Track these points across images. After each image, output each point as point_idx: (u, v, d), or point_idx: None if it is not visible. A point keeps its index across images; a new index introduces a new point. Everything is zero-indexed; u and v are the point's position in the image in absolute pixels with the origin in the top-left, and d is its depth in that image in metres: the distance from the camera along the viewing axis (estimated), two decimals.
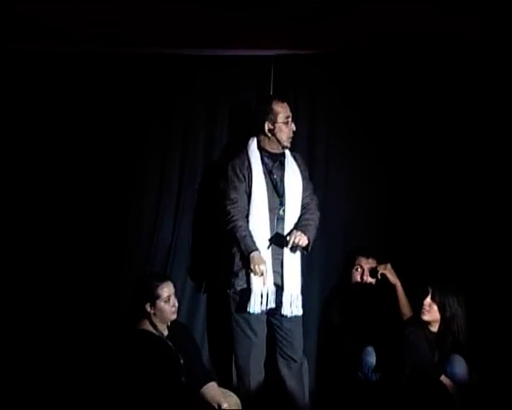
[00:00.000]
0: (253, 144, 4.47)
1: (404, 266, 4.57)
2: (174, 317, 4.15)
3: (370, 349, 4.38)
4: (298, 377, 4.44)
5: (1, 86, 4.72)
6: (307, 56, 4.75)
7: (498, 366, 4.26)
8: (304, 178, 4.50)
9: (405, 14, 4.43)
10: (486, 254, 4.59)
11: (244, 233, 4.30)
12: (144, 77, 4.77)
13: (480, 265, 4.57)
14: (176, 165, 4.75)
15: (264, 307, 4.30)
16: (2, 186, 4.72)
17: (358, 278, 4.65)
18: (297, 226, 4.38)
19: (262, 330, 4.40)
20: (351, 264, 4.68)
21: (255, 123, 4.48)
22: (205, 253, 4.68)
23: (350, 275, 4.68)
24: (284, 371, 4.43)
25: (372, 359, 4.37)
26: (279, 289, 4.35)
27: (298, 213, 4.44)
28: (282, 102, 4.44)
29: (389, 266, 4.56)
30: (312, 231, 4.40)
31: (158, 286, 4.11)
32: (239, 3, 4.29)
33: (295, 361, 4.42)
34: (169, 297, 4.11)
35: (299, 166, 4.51)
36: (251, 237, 4.31)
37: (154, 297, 4.08)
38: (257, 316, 4.33)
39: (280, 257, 4.37)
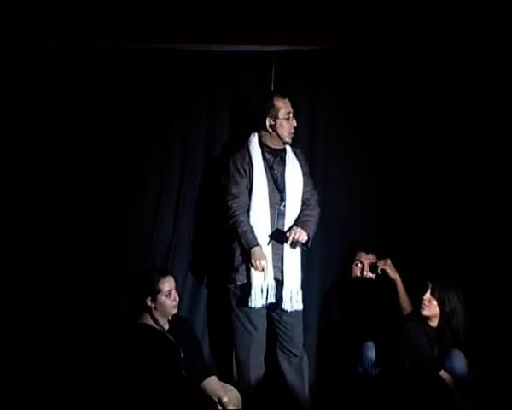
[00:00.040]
0: (254, 140, 4.48)
1: (404, 262, 4.58)
2: (175, 311, 4.16)
3: (370, 344, 4.39)
4: (298, 371, 4.45)
5: (1, 81, 4.71)
6: (308, 52, 4.76)
7: (497, 361, 4.28)
8: (304, 174, 4.52)
9: (405, 14, 4.46)
10: (486, 249, 4.60)
11: (245, 228, 4.31)
12: (145, 72, 4.76)
13: (480, 260, 4.58)
14: (177, 160, 4.76)
15: (264, 302, 4.31)
16: (2, 182, 4.71)
17: (358, 273, 4.66)
18: (297, 222, 4.40)
19: (262, 325, 4.42)
20: (351, 259, 4.69)
21: (256, 119, 4.49)
22: (205, 247, 4.69)
23: (350, 270, 4.68)
24: (284, 365, 4.44)
25: (372, 353, 4.38)
26: (279, 283, 4.36)
27: (298, 209, 4.46)
28: (284, 97, 4.45)
29: (389, 261, 4.57)
30: (312, 226, 4.42)
31: (159, 280, 4.12)
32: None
33: (295, 356, 4.44)
34: (170, 291, 4.12)
35: (299, 161, 4.52)
36: (252, 232, 4.32)
37: (155, 291, 4.09)
38: (257, 311, 4.34)
39: (280, 252, 4.38)
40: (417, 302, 4.32)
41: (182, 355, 4.09)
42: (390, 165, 4.79)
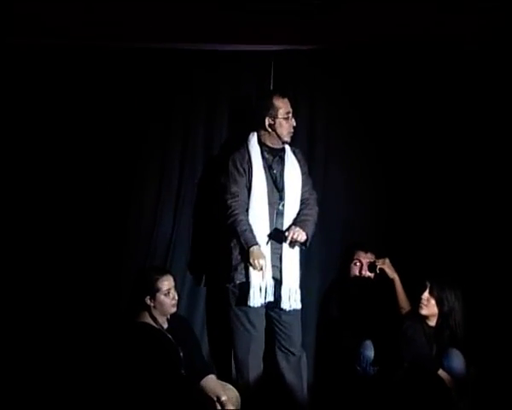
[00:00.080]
0: (253, 139, 4.49)
1: (403, 261, 4.59)
2: (174, 310, 4.17)
3: (369, 343, 4.40)
4: (296, 370, 4.46)
5: (1, 81, 4.72)
6: (308, 52, 4.77)
7: (495, 360, 4.29)
8: (303, 173, 4.53)
9: (405, 14, 4.46)
10: (484, 248, 4.61)
11: (244, 227, 4.32)
12: (145, 71, 4.77)
13: (478, 259, 4.59)
14: (176, 159, 4.77)
15: (263, 301, 4.32)
16: (2, 181, 4.72)
17: (357, 273, 4.67)
18: (296, 222, 4.41)
19: (261, 324, 4.43)
20: (349, 258, 4.70)
21: (255, 118, 4.50)
22: (205, 247, 4.70)
23: (348, 269, 4.69)
24: (283, 364, 4.45)
25: (370, 352, 4.39)
26: (278, 283, 4.37)
27: (297, 208, 4.47)
28: (283, 97, 4.46)
29: (387, 260, 4.58)
30: (311, 226, 4.43)
31: (158, 279, 4.12)
32: None
33: (294, 355, 4.45)
34: (169, 290, 4.13)
35: (298, 161, 4.53)
36: (251, 231, 4.33)
37: (154, 290, 4.10)
38: (256, 310, 4.35)
39: (279, 251, 4.40)
40: (416, 302, 4.33)
41: (181, 354, 4.09)
42: (389, 165, 4.79)
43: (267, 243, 4.37)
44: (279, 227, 4.40)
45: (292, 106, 4.50)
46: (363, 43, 4.71)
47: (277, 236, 4.39)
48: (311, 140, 4.81)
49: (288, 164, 4.49)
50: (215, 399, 4.07)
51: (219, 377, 4.26)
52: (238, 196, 4.38)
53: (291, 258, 4.40)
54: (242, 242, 4.32)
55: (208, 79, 4.80)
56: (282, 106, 4.44)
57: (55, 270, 4.64)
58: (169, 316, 4.17)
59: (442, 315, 4.28)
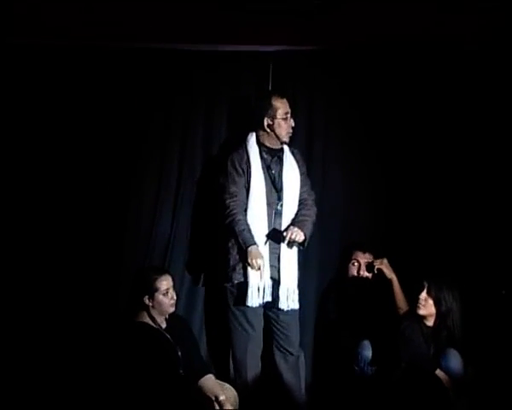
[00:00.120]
0: (251, 139, 4.50)
1: (400, 261, 4.59)
2: (172, 310, 4.18)
3: (366, 343, 4.41)
4: (294, 370, 4.47)
5: (1, 81, 4.73)
6: (307, 53, 4.77)
7: (493, 360, 4.28)
8: (302, 174, 4.53)
9: (405, 14, 4.46)
10: (481, 249, 4.61)
11: (243, 227, 4.33)
12: (144, 71, 4.78)
13: (476, 260, 4.60)
14: (175, 159, 4.77)
15: (261, 301, 4.33)
16: (2, 180, 4.73)
17: (355, 273, 4.67)
18: (294, 222, 4.42)
19: (259, 324, 4.44)
20: (347, 258, 4.70)
21: (254, 118, 4.51)
22: (203, 246, 4.71)
23: (346, 269, 4.70)
24: (281, 364, 4.46)
25: (368, 352, 4.39)
26: (276, 283, 4.38)
27: (295, 208, 4.47)
28: (282, 97, 4.47)
29: (385, 260, 4.58)
30: (309, 226, 4.43)
31: (156, 279, 4.13)
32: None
33: (292, 354, 4.46)
34: (167, 290, 4.14)
35: (297, 161, 4.54)
36: (249, 231, 4.34)
37: (152, 290, 4.11)
38: (254, 309, 4.36)
39: (277, 251, 4.40)
40: (413, 302, 4.33)
41: (179, 354, 4.10)
42: (387, 165, 4.80)
43: (265, 243, 4.38)
44: (277, 227, 4.41)
45: (291, 106, 4.50)
46: (362, 43, 4.71)
47: (275, 236, 4.39)
48: (309, 140, 4.82)
49: (286, 164, 4.50)
50: (213, 398, 4.07)
51: (217, 377, 4.27)
52: (236, 196, 4.39)
53: (289, 258, 4.40)
54: (240, 242, 4.33)
55: (207, 79, 4.81)
56: (281, 106, 4.45)
57: (54, 269, 4.65)
58: (167, 316, 4.18)
59: (440, 315, 4.29)
